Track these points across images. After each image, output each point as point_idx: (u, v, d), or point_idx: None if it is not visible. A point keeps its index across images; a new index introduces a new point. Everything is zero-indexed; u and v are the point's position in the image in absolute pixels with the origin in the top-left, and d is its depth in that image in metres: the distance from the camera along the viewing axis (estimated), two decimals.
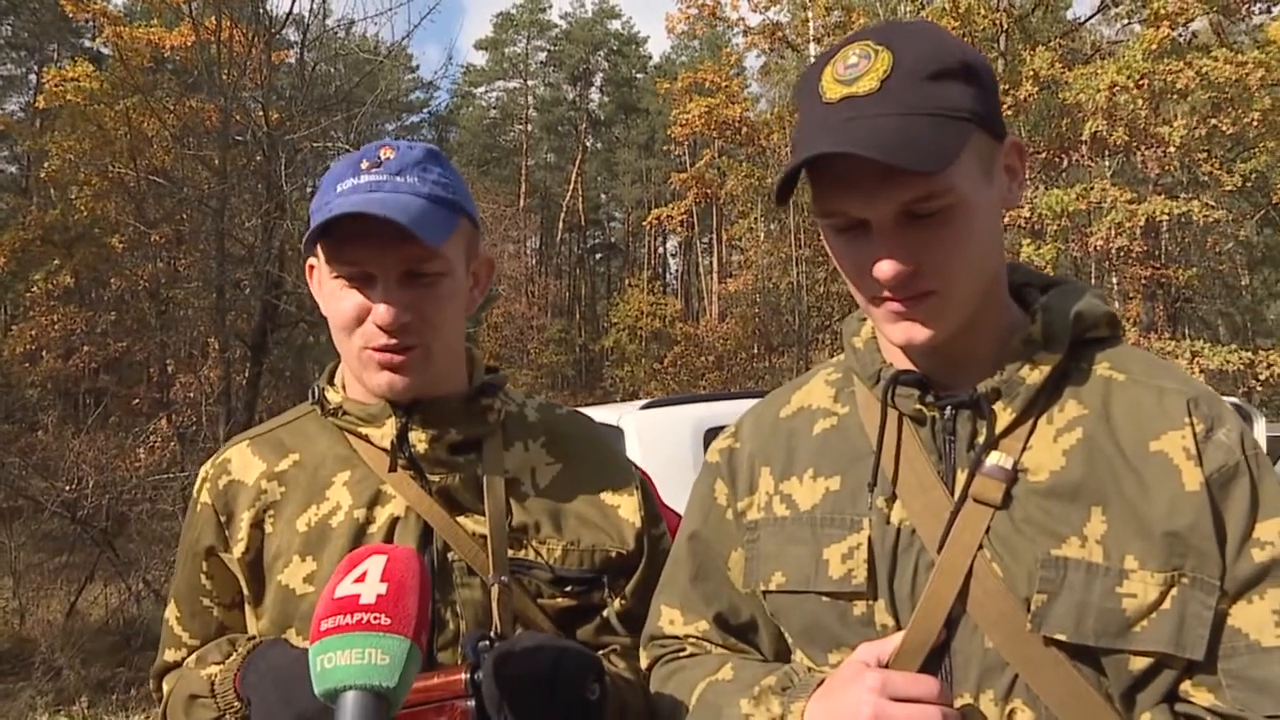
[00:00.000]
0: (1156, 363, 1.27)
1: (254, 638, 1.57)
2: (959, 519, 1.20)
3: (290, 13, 13.28)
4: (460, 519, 1.56)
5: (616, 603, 1.61)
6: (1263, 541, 1.14)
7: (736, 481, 1.42)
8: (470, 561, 1.54)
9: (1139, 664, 1.14)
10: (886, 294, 1.19)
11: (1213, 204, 19.70)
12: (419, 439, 1.56)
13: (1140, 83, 17.84)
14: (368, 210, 1.43)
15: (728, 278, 33.53)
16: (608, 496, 1.66)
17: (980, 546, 1.18)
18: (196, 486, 1.67)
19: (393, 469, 1.58)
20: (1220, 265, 26.87)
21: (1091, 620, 1.13)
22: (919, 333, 1.20)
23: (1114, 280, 22.83)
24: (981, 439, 1.22)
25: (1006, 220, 10.58)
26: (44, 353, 20.87)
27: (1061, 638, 1.14)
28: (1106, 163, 22.03)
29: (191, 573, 1.65)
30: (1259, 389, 19.11)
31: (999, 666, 1.17)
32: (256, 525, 1.59)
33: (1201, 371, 16.95)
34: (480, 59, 46.24)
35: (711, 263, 37.90)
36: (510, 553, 1.56)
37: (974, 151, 1.18)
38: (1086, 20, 23.71)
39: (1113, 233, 18.50)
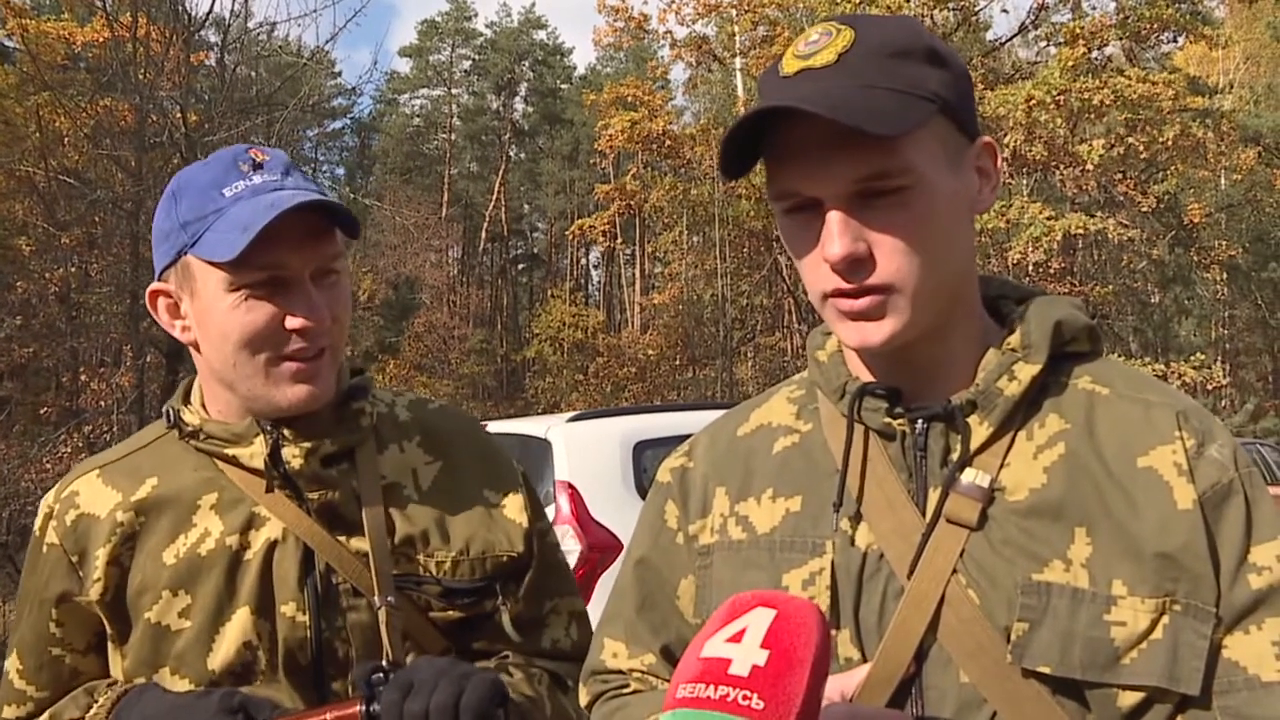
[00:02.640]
0: (1141, 376, 1.20)
1: (115, 683, 1.47)
2: (931, 541, 1.11)
3: (210, 12, 13.01)
4: (342, 538, 1.47)
5: (509, 607, 1.54)
6: (1260, 566, 1.07)
7: (689, 503, 1.32)
8: (355, 582, 1.46)
9: (1128, 699, 1.05)
10: (839, 286, 1.10)
11: (1126, 223, 20.23)
12: (293, 454, 1.45)
13: (1058, 99, 18.28)
14: (288, 203, 1.37)
15: (651, 290, 33.59)
16: (492, 495, 1.58)
17: (954, 571, 1.10)
18: (38, 524, 1.53)
19: (269, 489, 1.46)
20: (1134, 283, 27.51)
21: (1077, 651, 1.05)
22: (874, 333, 1.11)
23: None
24: (955, 455, 1.13)
25: None
26: None
27: (1045, 670, 1.06)
28: (1025, 181, 22.47)
29: (38, 621, 1.50)
30: None
31: (976, 702, 1.08)
32: (114, 562, 1.46)
33: None
34: (404, 66, 45.84)
35: (634, 274, 37.94)
36: (398, 568, 1.47)
37: (937, 137, 1.11)
38: (1007, 41, 24.21)
39: (1030, 248, 18.88)
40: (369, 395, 1.55)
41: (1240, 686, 1.06)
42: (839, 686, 1.10)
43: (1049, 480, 1.11)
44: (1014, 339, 1.17)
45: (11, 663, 1.52)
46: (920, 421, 1.16)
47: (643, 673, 1.34)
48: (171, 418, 1.52)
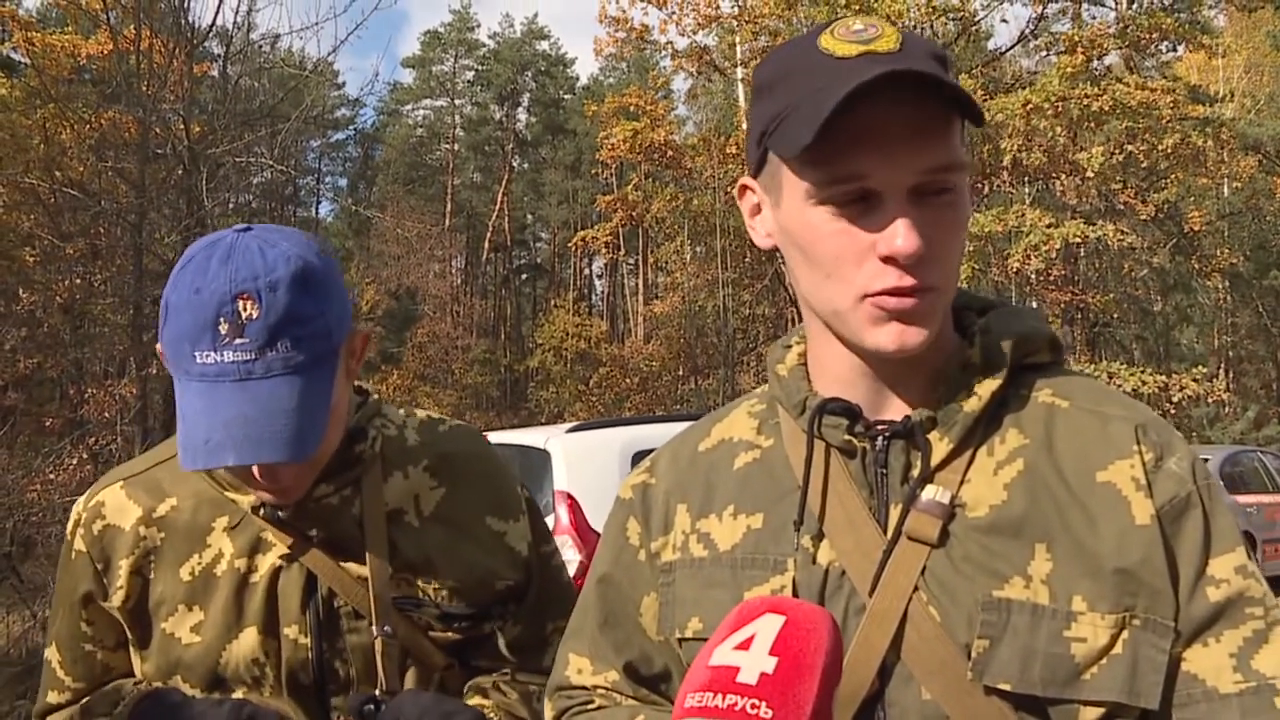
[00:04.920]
0: (1100, 388, 1.20)
1: (140, 682, 1.55)
2: (892, 558, 1.11)
3: (213, 24, 13.02)
4: (345, 564, 1.51)
5: (507, 630, 1.59)
6: (1217, 579, 1.07)
7: (650, 520, 1.31)
8: (357, 606, 1.50)
9: (1089, 715, 1.05)
10: (896, 285, 1.07)
11: (1126, 230, 20.25)
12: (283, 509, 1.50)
13: (1057, 106, 18.31)
14: (232, 461, 1.32)
15: (653, 299, 33.64)
16: (494, 522, 1.60)
17: (916, 588, 1.09)
18: (69, 529, 1.59)
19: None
20: (1135, 291, 27.53)
21: (1038, 668, 1.05)
22: (913, 335, 1.08)
23: (1034, 304, 23.31)
24: (916, 472, 1.13)
25: None
26: None
27: (1005, 688, 1.05)
28: (1027, 189, 22.51)
29: (71, 619, 1.58)
30: (1172, 411, 19.57)
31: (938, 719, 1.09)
32: (137, 572, 1.53)
33: None
34: (407, 77, 45.96)
35: (637, 284, 38.00)
36: (397, 592, 1.51)
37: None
38: (1007, 50, 24.23)
39: (1029, 255, 18.90)
40: (369, 437, 1.55)
41: (1199, 699, 1.06)
42: None
43: (1009, 497, 1.11)
44: (975, 353, 1.17)
45: (52, 653, 1.60)
46: (880, 438, 1.15)
47: (607, 689, 1.33)
48: None
